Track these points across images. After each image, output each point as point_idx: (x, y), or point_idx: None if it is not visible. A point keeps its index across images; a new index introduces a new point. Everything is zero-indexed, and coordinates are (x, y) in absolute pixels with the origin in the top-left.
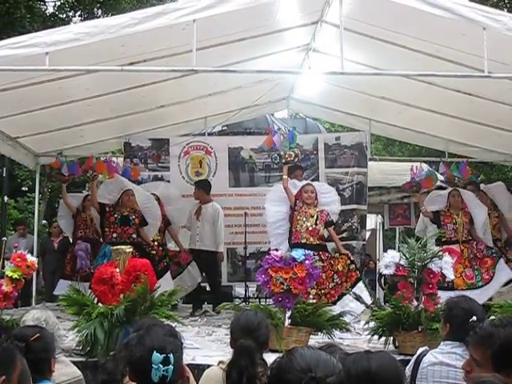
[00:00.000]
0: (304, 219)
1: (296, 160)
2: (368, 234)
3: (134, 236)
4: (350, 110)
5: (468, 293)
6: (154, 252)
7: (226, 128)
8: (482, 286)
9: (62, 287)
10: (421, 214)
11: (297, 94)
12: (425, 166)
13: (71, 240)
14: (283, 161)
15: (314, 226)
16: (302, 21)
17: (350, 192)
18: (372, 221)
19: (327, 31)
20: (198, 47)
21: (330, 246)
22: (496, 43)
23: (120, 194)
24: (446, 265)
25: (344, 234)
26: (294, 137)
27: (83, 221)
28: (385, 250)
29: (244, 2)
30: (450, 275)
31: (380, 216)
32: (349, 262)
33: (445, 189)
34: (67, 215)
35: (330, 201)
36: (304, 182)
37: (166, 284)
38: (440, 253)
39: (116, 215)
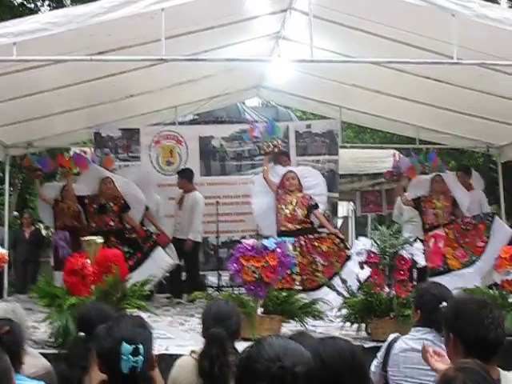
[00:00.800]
0: (283, 207)
1: (276, 150)
2: (340, 221)
3: (112, 224)
4: (320, 97)
5: (466, 270)
6: (135, 235)
7: (197, 117)
8: (477, 259)
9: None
10: (397, 200)
11: (267, 82)
12: (385, 156)
13: (54, 230)
14: (262, 152)
15: (292, 213)
16: (271, 8)
17: None
18: (344, 208)
19: (296, 19)
20: (167, 36)
21: None
22: (465, 30)
23: (98, 183)
24: (416, 251)
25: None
26: (273, 127)
27: (61, 210)
28: (357, 238)
29: None
30: (421, 261)
31: (352, 203)
32: (338, 240)
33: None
34: (47, 207)
35: (313, 184)
36: (285, 170)
37: (156, 262)
38: (411, 239)
39: (94, 205)
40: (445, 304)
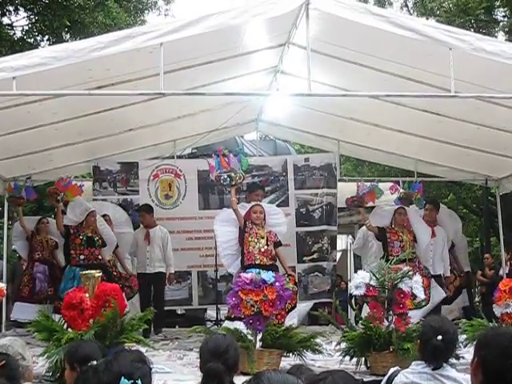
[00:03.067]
0: (255, 240)
1: (244, 183)
2: (339, 254)
3: (100, 257)
4: (318, 131)
5: (415, 312)
6: (115, 273)
7: (195, 151)
8: (424, 306)
9: (19, 310)
10: (359, 231)
11: (265, 115)
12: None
13: (27, 262)
14: (233, 182)
15: (265, 247)
16: (269, 43)
17: (320, 213)
18: (342, 241)
19: (294, 53)
20: (165, 70)
21: None
22: (462, 63)
23: (85, 214)
24: (416, 284)
25: (314, 255)
26: (241, 159)
27: (40, 243)
28: (356, 271)
29: (211, 25)
30: (421, 294)
31: (350, 236)
32: (294, 282)
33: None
34: (22, 236)
35: (278, 222)
36: (253, 203)
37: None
38: (410, 273)
39: (81, 237)
40: (440, 337)
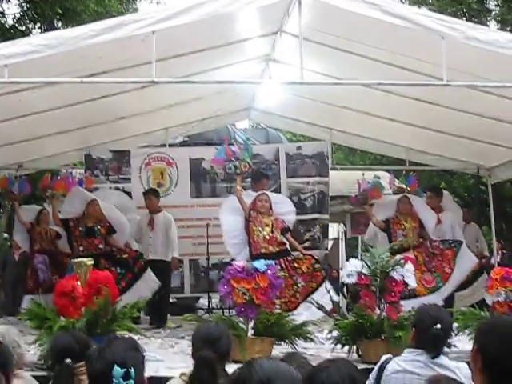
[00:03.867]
0: (260, 229)
1: (250, 170)
2: (330, 243)
3: (101, 246)
4: (310, 119)
5: (430, 297)
6: (126, 255)
7: (187, 139)
8: (442, 286)
9: (27, 302)
10: (370, 223)
11: (258, 104)
12: (370, 176)
13: (26, 253)
14: (238, 171)
15: (270, 234)
16: (261, 31)
17: (312, 201)
18: (334, 230)
19: (287, 41)
20: (157, 58)
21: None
22: (454, 52)
23: (85, 205)
24: (407, 273)
25: (306, 244)
26: (249, 148)
27: (39, 234)
28: (347, 259)
29: (203, 13)
30: (412, 283)
31: (342, 225)
32: (313, 261)
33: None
34: (22, 229)
35: (285, 211)
36: (259, 192)
37: (147, 282)
38: (402, 261)
39: (80, 228)
40: (439, 326)
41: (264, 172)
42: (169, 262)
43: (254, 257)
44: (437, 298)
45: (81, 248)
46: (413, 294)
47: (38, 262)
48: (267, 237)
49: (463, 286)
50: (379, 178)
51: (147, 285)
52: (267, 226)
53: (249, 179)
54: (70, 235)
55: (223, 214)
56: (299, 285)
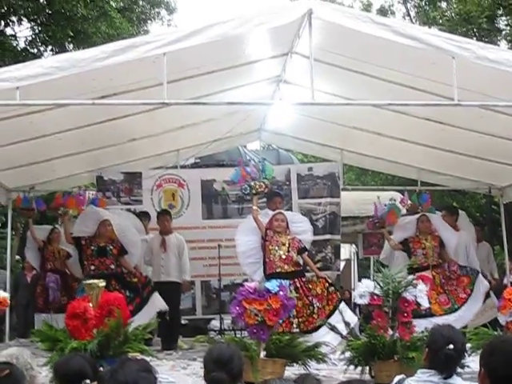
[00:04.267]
0: (276, 248)
1: (266, 191)
2: (342, 263)
3: (113, 267)
4: (321, 140)
5: (446, 317)
6: (135, 280)
7: (198, 160)
8: (458, 309)
9: (39, 321)
10: (385, 244)
11: (268, 125)
12: (386, 198)
13: (35, 273)
14: (253, 191)
15: (286, 254)
16: (272, 52)
17: (324, 222)
18: (346, 250)
19: (297, 62)
20: (168, 80)
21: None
22: (465, 71)
23: (97, 224)
24: (420, 293)
25: (318, 265)
26: (265, 167)
27: (51, 253)
28: (360, 280)
29: (214, 35)
30: (425, 303)
31: (354, 246)
32: (327, 284)
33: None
34: (34, 247)
35: (302, 230)
36: (276, 211)
37: (155, 305)
38: (414, 281)
39: (92, 247)
40: (451, 346)
41: (277, 190)
42: (181, 284)
43: (268, 276)
44: (454, 321)
45: (92, 267)
46: (429, 313)
47: (49, 280)
48: (283, 256)
49: None
50: (395, 200)
51: (154, 306)
52: (284, 245)
53: (264, 199)
54: (81, 254)
55: (239, 235)
56: (315, 305)
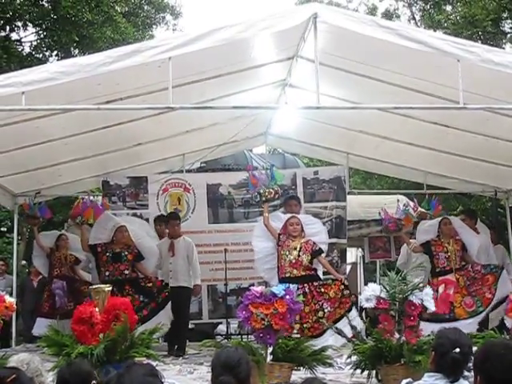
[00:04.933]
0: (287, 253)
1: (276, 197)
2: (349, 267)
3: (127, 272)
4: (327, 144)
5: (470, 321)
6: (150, 284)
7: (204, 165)
8: (482, 312)
9: (40, 326)
10: (403, 247)
11: (274, 129)
12: (392, 202)
13: (41, 278)
14: (263, 199)
15: (296, 258)
16: (277, 56)
17: (330, 226)
18: (352, 254)
19: (303, 66)
20: (174, 84)
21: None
22: (471, 75)
23: (113, 231)
24: (426, 296)
25: (325, 269)
26: (274, 174)
27: (58, 259)
28: (366, 284)
29: (219, 39)
30: (431, 307)
31: (360, 249)
32: (342, 287)
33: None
34: (41, 254)
35: (315, 231)
36: (288, 215)
37: (169, 312)
38: (421, 284)
39: (108, 253)
40: (458, 350)
41: (292, 193)
42: (190, 289)
43: (280, 281)
44: (473, 323)
45: (107, 273)
46: (453, 317)
47: (56, 287)
48: (293, 260)
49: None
50: (407, 206)
51: (167, 315)
52: (295, 249)
53: (274, 202)
54: (97, 261)
55: (256, 240)
56: (325, 310)
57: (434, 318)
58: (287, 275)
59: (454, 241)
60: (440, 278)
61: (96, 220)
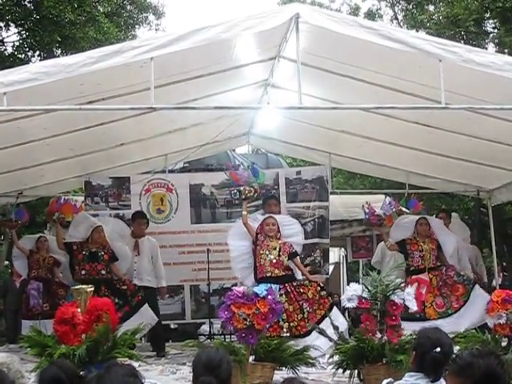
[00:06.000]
0: (267, 252)
1: (255, 195)
2: (331, 267)
3: (103, 272)
4: (310, 144)
5: (440, 322)
6: (125, 287)
7: (187, 165)
8: (451, 314)
9: (26, 327)
10: (378, 246)
11: (257, 129)
12: (375, 202)
13: (23, 280)
14: (243, 196)
15: (277, 258)
16: (259, 57)
17: (312, 226)
18: (335, 254)
19: (285, 66)
20: (156, 85)
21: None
22: (452, 75)
23: (89, 230)
24: (408, 296)
25: (307, 268)
26: (257, 171)
27: (36, 261)
28: (348, 283)
29: (201, 39)
30: (413, 306)
31: (343, 249)
32: (319, 288)
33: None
34: (21, 256)
35: (292, 232)
36: (266, 215)
37: (144, 317)
38: (402, 284)
39: (84, 252)
40: (438, 349)
41: (272, 193)
42: (154, 289)
43: (258, 280)
44: (446, 326)
45: (83, 272)
46: (423, 317)
47: (31, 288)
48: (274, 260)
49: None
50: (392, 205)
51: (143, 318)
52: (274, 249)
53: (255, 202)
54: (72, 259)
55: (232, 239)
56: (305, 310)
57: (405, 317)
58: (268, 274)
59: (429, 240)
60: (413, 277)
61: (73, 218)
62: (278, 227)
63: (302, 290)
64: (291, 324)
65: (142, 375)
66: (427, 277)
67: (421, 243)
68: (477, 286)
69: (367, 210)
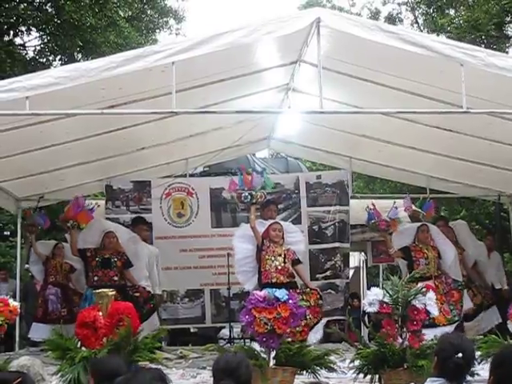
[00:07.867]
0: (272, 258)
1: (264, 201)
2: (351, 272)
3: (116, 279)
4: (330, 148)
5: (448, 328)
6: (137, 294)
7: (207, 169)
8: (458, 320)
9: (35, 330)
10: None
11: (277, 133)
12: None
13: (41, 285)
14: (254, 201)
15: (282, 265)
16: (280, 61)
17: (333, 230)
18: (355, 259)
19: (306, 71)
20: (177, 89)
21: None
22: (474, 79)
23: (101, 236)
24: (429, 301)
25: (327, 273)
26: (266, 180)
27: (53, 267)
28: (369, 288)
29: (222, 44)
30: (434, 311)
31: (363, 254)
32: (318, 297)
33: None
34: (38, 261)
35: (295, 240)
36: (271, 221)
37: (151, 325)
38: (424, 289)
39: (97, 259)
40: (460, 355)
41: (271, 199)
42: (153, 295)
43: (262, 285)
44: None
45: (95, 278)
46: (433, 323)
47: (50, 293)
48: (279, 267)
49: (468, 317)
50: (397, 208)
51: (151, 326)
52: (280, 255)
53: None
54: (86, 265)
55: (236, 241)
56: (307, 317)
57: None
58: (273, 281)
59: (431, 248)
60: (420, 284)
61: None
62: (283, 233)
63: (304, 297)
64: (297, 329)
65: (169, 379)
66: (433, 284)
67: (425, 250)
68: (464, 291)
69: (373, 212)
